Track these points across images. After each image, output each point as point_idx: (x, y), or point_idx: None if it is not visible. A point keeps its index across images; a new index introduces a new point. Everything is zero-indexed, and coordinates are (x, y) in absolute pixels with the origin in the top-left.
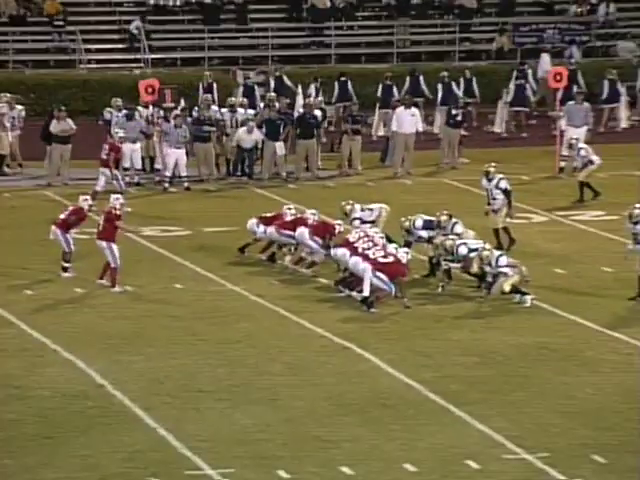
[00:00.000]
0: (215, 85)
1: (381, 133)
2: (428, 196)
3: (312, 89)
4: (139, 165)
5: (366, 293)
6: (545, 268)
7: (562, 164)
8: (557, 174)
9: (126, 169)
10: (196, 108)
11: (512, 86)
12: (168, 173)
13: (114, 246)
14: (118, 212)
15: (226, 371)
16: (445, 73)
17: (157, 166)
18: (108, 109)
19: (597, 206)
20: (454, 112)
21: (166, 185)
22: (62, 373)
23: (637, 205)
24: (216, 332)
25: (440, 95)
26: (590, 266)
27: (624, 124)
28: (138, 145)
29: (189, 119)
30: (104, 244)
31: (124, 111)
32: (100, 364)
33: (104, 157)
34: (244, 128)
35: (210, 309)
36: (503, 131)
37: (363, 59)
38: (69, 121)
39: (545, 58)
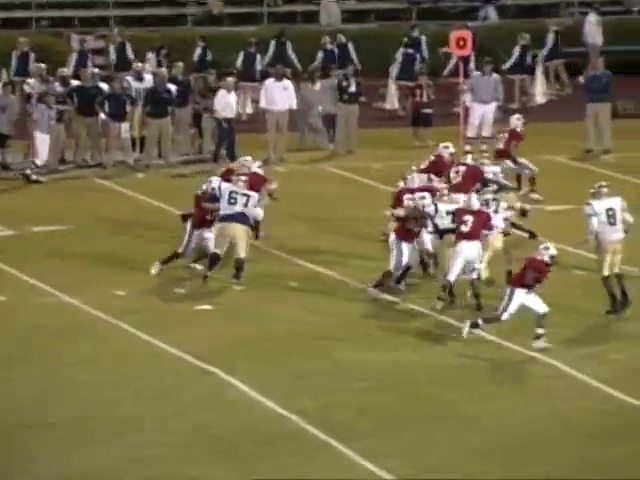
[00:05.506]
0: (32, 55)
1: (249, 111)
2: (306, 185)
3: (151, 59)
4: None
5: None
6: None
7: (467, 147)
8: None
9: None
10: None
11: (399, 56)
12: (39, 162)
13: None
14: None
15: (60, 401)
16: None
17: None
18: None
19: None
20: (345, 84)
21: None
22: None
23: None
24: (46, 354)
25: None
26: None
27: (541, 99)
28: None
29: None
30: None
31: None
32: None
33: None
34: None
35: (38, 326)
36: (398, 107)
37: (226, 21)
38: None
39: (591, 19)
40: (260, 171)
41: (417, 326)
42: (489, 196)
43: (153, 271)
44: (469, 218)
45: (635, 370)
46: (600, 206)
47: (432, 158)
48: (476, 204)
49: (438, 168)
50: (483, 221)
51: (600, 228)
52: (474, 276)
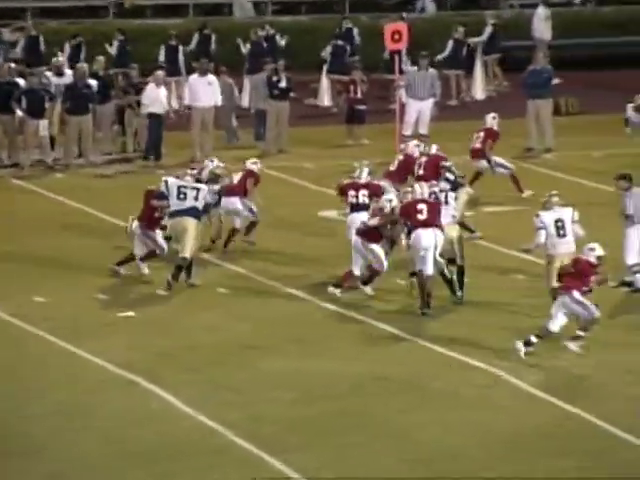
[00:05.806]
0: None
1: (175, 105)
2: None
3: (66, 48)
4: None
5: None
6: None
7: (403, 146)
8: None
9: None
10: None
11: (329, 48)
12: None
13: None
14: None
15: None
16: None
17: None
18: None
19: None
20: (275, 79)
21: None
22: None
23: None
24: None
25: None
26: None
27: (480, 95)
28: None
29: None
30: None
31: None
32: None
33: None
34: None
35: None
36: (331, 104)
37: (149, 12)
38: None
39: (540, 12)
40: (256, 168)
41: (353, 332)
42: (435, 189)
43: (146, 271)
44: (423, 207)
45: (577, 377)
46: (549, 218)
47: (401, 158)
48: (427, 192)
49: (408, 167)
50: (437, 209)
51: (549, 240)
52: (429, 272)
